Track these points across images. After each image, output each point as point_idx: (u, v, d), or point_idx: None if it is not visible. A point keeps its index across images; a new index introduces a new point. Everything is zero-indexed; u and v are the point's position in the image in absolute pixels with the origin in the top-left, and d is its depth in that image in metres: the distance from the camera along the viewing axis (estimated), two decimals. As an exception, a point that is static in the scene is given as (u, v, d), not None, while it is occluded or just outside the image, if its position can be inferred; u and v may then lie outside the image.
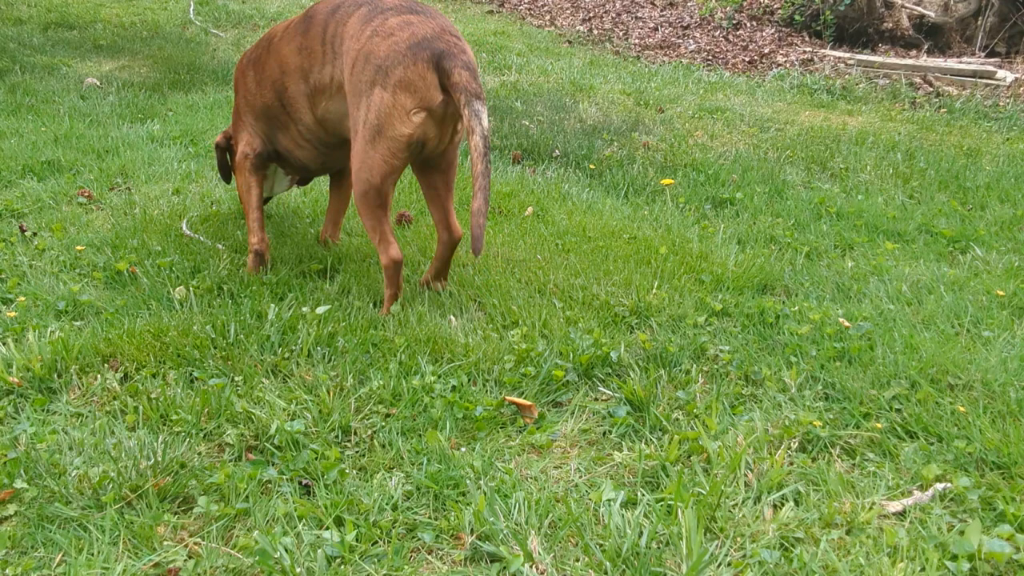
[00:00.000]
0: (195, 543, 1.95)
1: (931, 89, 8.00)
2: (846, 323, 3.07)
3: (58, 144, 4.78)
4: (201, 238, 3.58)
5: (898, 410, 2.55)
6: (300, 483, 2.16)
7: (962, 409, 2.52)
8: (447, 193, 3.12)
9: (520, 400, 2.53)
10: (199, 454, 2.25)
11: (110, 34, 7.73)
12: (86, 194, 4.10)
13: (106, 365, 2.61)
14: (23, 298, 3.03)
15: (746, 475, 2.22)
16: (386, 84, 2.76)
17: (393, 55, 2.77)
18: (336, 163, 3.45)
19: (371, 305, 3.08)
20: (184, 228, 3.66)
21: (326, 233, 3.65)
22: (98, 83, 6.23)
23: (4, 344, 2.71)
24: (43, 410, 2.42)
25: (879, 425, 2.47)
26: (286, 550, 1.89)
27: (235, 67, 3.55)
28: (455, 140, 2.99)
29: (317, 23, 3.06)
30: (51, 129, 5.05)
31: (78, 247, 3.45)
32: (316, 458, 2.24)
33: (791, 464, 2.30)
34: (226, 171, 3.70)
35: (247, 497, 2.08)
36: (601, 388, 2.66)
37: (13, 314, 2.91)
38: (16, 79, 6.16)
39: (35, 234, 3.62)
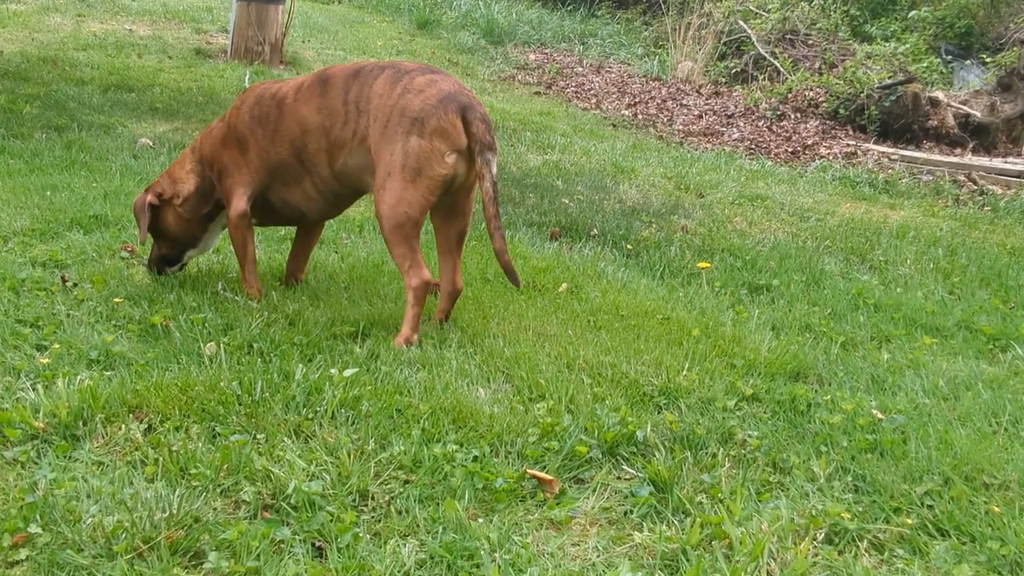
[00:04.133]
0: (203, 599, 1.93)
1: (975, 187, 7.96)
2: (879, 415, 3.01)
3: (107, 200, 4.88)
4: (236, 298, 3.62)
5: (930, 506, 2.48)
6: (313, 545, 2.13)
7: (997, 509, 2.44)
8: (458, 249, 3.52)
9: (541, 474, 2.49)
10: (214, 509, 2.23)
11: (167, 98, 7.95)
12: (129, 249, 4.18)
13: (131, 416, 2.62)
14: (57, 345, 3.07)
15: (768, 564, 2.16)
16: (423, 133, 3.20)
17: (427, 108, 3.21)
18: (332, 214, 3.86)
19: (399, 370, 3.08)
20: (219, 288, 3.71)
21: (294, 268, 3.87)
22: (151, 144, 6.39)
23: (34, 389, 2.74)
24: (65, 457, 2.43)
25: (910, 521, 2.39)
26: (293, 612, 1.86)
27: (224, 127, 3.69)
28: (475, 183, 3.36)
29: (336, 85, 3.41)
30: (102, 185, 5.16)
31: (116, 299, 3.50)
32: (331, 520, 2.21)
33: (816, 556, 2.24)
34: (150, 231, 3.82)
35: (259, 556, 2.06)
36: (625, 467, 2.61)
37: (46, 361, 2.95)
38: (73, 136, 6.33)
39: (76, 285, 3.68)
